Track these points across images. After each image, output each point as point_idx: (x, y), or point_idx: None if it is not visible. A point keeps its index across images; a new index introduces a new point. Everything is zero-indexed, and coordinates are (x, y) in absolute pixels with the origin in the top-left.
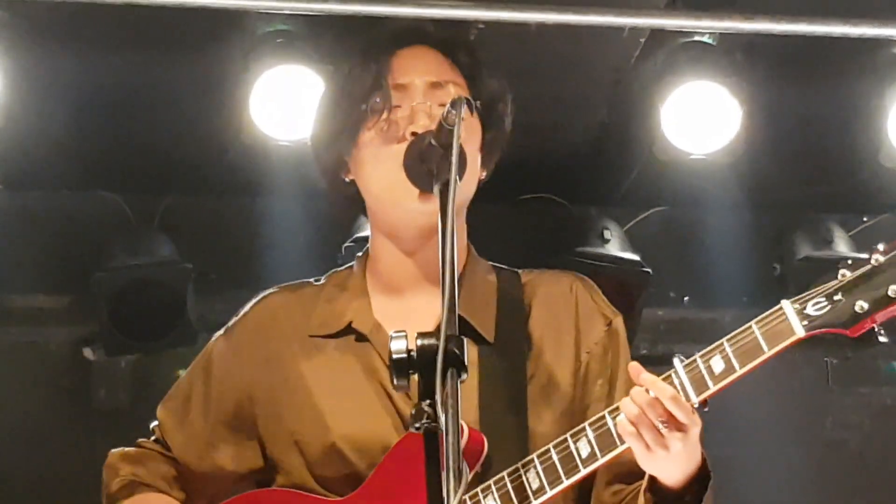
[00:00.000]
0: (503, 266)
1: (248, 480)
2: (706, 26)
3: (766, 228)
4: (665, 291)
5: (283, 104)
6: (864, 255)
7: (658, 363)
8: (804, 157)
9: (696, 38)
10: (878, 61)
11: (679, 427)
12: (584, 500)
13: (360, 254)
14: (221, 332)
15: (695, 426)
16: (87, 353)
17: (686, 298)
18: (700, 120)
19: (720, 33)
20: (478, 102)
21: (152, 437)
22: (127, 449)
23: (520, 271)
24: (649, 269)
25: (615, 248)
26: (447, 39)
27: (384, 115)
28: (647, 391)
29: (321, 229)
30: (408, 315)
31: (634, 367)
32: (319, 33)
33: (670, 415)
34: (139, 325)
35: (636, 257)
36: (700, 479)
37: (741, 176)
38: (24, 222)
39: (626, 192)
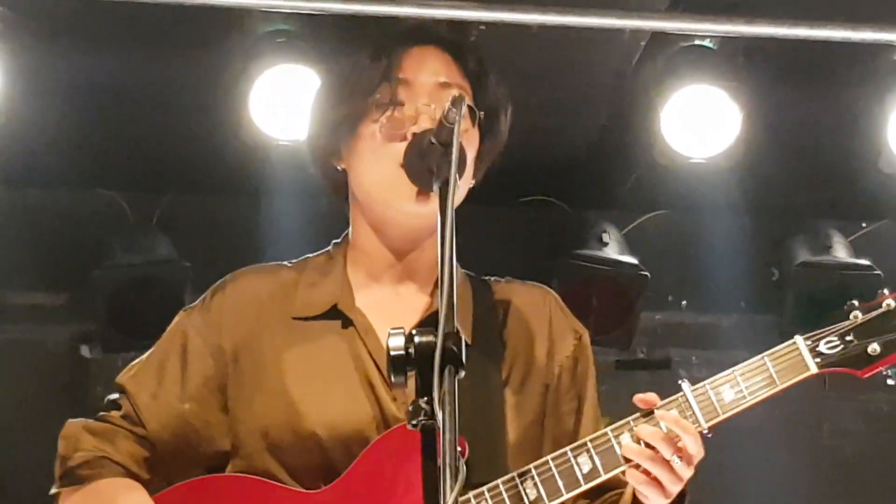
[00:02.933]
0: (471, 273)
1: (211, 463)
2: (707, 29)
3: (765, 233)
4: (663, 295)
5: (283, 104)
6: (866, 262)
7: (655, 367)
8: (804, 162)
9: (697, 42)
10: (879, 67)
11: (690, 459)
12: None
13: (337, 241)
14: (194, 306)
15: (701, 454)
16: (85, 350)
17: (684, 302)
18: (700, 124)
19: (721, 37)
20: (481, 114)
21: (116, 412)
22: (89, 421)
23: (489, 279)
24: (647, 273)
25: (613, 251)
26: (458, 43)
27: (388, 112)
28: (655, 426)
29: (319, 229)
30: (390, 304)
31: (647, 399)
32: (320, 33)
33: (684, 449)
34: (137, 323)
35: (634, 261)
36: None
37: (740, 180)
38: (23, 220)
39: (625, 195)
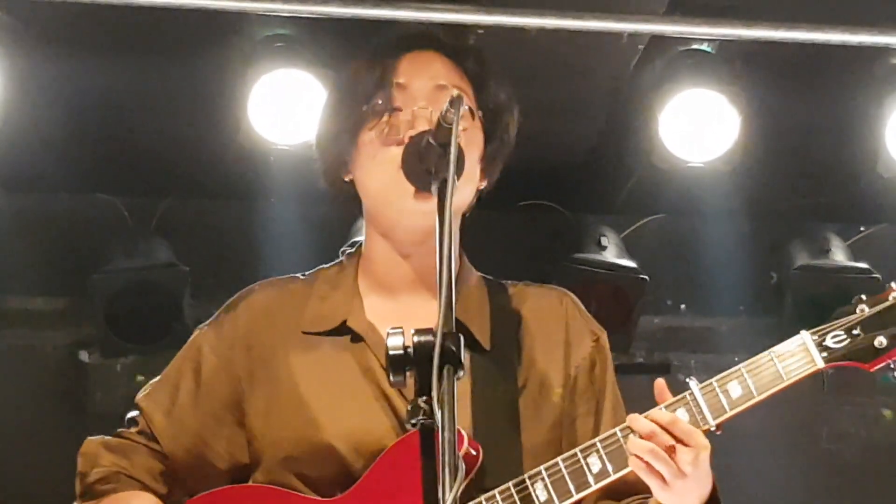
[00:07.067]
0: (488, 276)
1: (230, 476)
2: (705, 33)
3: (764, 237)
4: (662, 299)
5: (282, 108)
6: (864, 265)
7: (654, 371)
8: (802, 166)
9: (695, 45)
10: (877, 71)
11: (690, 454)
12: None
13: (350, 251)
14: (207, 324)
15: (704, 449)
16: (84, 355)
17: (683, 306)
18: (698, 128)
19: (719, 42)
20: (480, 113)
21: (133, 428)
22: (107, 438)
23: (505, 283)
24: (646, 277)
25: (612, 255)
26: (457, 46)
27: (385, 118)
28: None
29: (318, 234)
30: (402, 317)
31: (659, 393)
32: (318, 37)
33: (678, 439)
34: (135, 327)
35: (633, 264)
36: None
37: (739, 184)
38: (22, 224)
39: (623, 199)
